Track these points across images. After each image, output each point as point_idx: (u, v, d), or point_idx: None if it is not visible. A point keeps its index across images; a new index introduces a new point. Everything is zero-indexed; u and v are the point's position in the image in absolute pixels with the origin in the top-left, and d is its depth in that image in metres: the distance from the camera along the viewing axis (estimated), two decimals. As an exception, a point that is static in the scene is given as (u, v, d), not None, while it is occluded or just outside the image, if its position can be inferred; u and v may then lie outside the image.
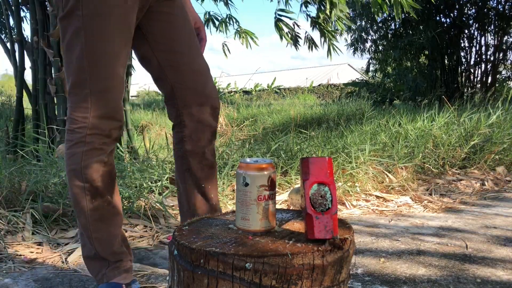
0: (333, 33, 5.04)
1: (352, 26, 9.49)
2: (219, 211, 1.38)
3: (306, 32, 5.81)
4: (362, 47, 9.80)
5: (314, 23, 5.04)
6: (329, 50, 5.18)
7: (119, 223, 1.29)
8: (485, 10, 8.38)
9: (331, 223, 0.75)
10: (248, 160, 0.87)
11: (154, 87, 13.54)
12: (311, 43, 5.55)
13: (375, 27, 9.52)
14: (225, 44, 5.21)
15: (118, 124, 1.22)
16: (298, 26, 5.75)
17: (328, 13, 4.66)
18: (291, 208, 0.98)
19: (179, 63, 1.29)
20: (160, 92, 1.45)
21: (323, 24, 4.92)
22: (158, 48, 1.29)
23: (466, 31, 8.81)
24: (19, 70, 3.41)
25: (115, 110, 1.20)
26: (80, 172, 1.20)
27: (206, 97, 1.32)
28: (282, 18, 4.89)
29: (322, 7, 4.89)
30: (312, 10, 5.29)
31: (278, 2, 5.72)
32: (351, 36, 9.71)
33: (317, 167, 0.76)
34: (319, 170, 0.76)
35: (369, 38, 9.78)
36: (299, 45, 5.76)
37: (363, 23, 9.43)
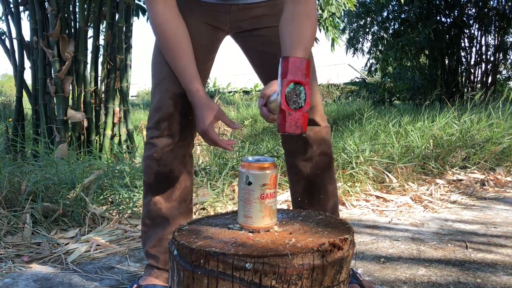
0: (336, 26, 5.02)
1: (352, 25, 9.50)
2: None
3: None
4: (361, 47, 9.81)
5: (318, 23, 5.04)
6: (332, 44, 5.18)
7: (164, 228, 1.28)
8: (486, 10, 8.38)
9: (302, 120, 0.78)
10: (250, 159, 0.88)
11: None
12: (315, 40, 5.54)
13: (375, 27, 9.52)
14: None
15: (163, 115, 1.22)
16: None
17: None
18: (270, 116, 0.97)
19: None
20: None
21: (328, 20, 4.90)
22: None
23: (467, 31, 8.81)
24: (18, 70, 3.41)
25: (161, 102, 1.23)
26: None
27: None
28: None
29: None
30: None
31: None
32: (349, 34, 9.71)
33: (295, 67, 0.77)
34: (297, 70, 0.77)
35: (369, 38, 9.78)
36: None
37: (363, 22, 9.43)
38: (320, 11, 5.16)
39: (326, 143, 1.31)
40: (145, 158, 1.27)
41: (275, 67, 1.08)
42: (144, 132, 4.16)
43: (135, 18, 3.94)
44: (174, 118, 1.23)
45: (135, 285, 1.28)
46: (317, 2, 4.96)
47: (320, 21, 5.02)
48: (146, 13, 3.99)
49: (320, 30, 5.07)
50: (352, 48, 9.75)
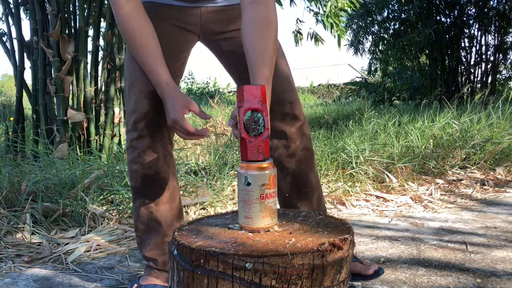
0: (340, 21, 5.03)
1: (352, 25, 9.50)
2: None
3: (310, 28, 5.80)
4: (362, 47, 9.81)
5: (322, 22, 5.05)
6: (339, 41, 5.19)
7: (157, 232, 1.29)
8: (486, 10, 8.38)
9: (263, 146, 0.81)
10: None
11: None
12: (317, 38, 5.56)
13: (375, 27, 9.52)
14: None
15: (139, 115, 1.23)
16: (301, 21, 5.79)
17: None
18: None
19: None
20: None
21: (330, 17, 4.90)
22: None
23: (467, 31, 8.81)
24: (18, 70, 3.41)
25: (137, 103, 1.24)
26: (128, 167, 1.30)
27: None
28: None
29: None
30: (314, 7, 5.35)
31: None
32: (350, 35, 9.71)
33: (250, 95, 0.80)
34: (253, 98, 0.80)
35: (369, 38, 9.79)
36: (302, 38, 5.79)
37: (363, 23, 9.43)
38: (320, 6, 5.18)
39: (306, 137, 1.35)
40: (129, 163, 1.27)
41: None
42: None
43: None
44: (150, 117, 1.23)
45: (136, 285, 1.29)
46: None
47: (324, 18, 5.02)
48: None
49: (325, 28, 5.06)
50: (352, 47, 9.76)
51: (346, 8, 5.00)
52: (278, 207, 1.16)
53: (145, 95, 1.22)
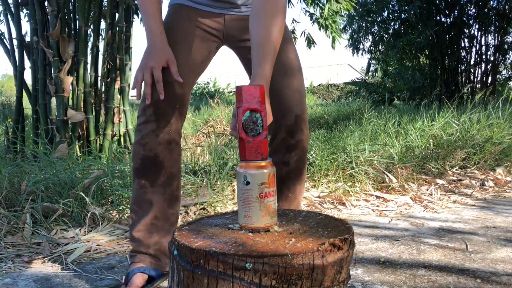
0: (336, 24, 5.11)
1: (352, 25, 9.50)
2: None
3: (305, 29, 5.87)
4: (362, 47, 9.80)
5: (318, 24, 5.10)
6: (333, 42, 5.26)
7: (147, 212, 1.33)
8: (486, 10, 8.38)
9: (262, 146, 0.82)
10: None
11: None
12: (310, 40, 5.62)
13: (376, 27, 9.52)
14: None
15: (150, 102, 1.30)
16: (296, 21, 5.84)
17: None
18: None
19: None
20: None
21: (327, 19, 4.96)
22: None
23: (467, 31, 8.81)
24: (18, 70, 3.41)
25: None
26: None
27: None
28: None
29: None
30: (313, 9, 5.45)
31: None
32: (350, 35, 9.72)
33: (249, 95, 0.80)
34: (251, 98, 0.81)
35: (369, 38, 9.78)
36: (296, 38, 5.84)
37: (363, 23, 9.43)
38: (316, 9, 5.25)
39: (304, 151, 1.41)
40: (134, 144, 1.34)
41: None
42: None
43: (135, 17, 3.94)
44: (159, 104, 1.28)
45: (124, 276, 1.34)
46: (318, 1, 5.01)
47: (320, 20, 5.08)
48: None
49: (320, 29, 5.14)
50: (352, 48, 9.75)
51: (342, 12, 5.10)
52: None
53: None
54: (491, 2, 8.42)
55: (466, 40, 8.89)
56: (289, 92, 1.36)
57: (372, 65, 10.29)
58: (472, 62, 8.84)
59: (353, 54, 9.75)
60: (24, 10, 4.01)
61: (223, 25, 1.37)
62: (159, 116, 1.29)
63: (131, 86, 1.35)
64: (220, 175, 2.49)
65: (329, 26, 5.02)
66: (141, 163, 1.31)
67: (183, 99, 1.33)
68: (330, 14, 4.93)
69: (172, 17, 1.37)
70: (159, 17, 1.29)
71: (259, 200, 0.85)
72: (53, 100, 3.23)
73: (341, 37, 5.58)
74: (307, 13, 5.47)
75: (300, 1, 5.36)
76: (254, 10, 1.20)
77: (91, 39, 3.47)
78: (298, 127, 1.36)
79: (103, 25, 3.70)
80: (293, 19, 5.97)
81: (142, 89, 1.28)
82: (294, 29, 6.03)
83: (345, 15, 8.74)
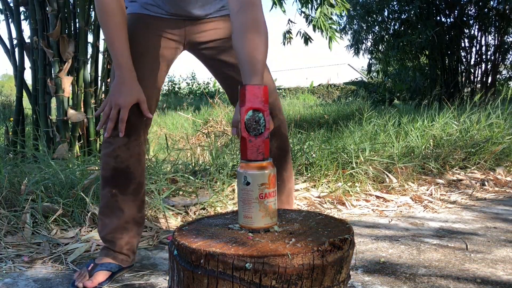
0: (333, 25, 5.18)
1: (353, 26, 9.50)
2: None
3: (301, 29, 5.94)
4: (362, 47, 9.80)
5: (313, 26, 5.14)
6: (330, 41, 5.31)
7: (119, 217, 1.41)
8: (486, 10, 8.38)
9: (263, 146, 0.81)
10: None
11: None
12: (306, 37, 5.68)
13: (376, 27, 9.52)
14: None
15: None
16: (292, 22, 5.89)
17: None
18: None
19: None
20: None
21: (323, 21, 5.02)
22: None
23: (467, 31, 8.81)
24: (18, 70, 3.41)
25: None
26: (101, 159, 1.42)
27: None
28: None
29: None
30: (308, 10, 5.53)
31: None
32: (351, 35, 9.72)
33: (252, 94, 0.80)
34: (255, 98, 0.81)
35: (369, 38, 9.78)
36: (292, 38, 5.91)
37: (363, 23, 9.43)
38: (310, 12, 5.32)
39: (283, 137, 1.45)
40: (103, 155, 1.39)
41: (234, 76, 1.32)
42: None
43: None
44: (130, 119, 1.33)
45: (92, 265, 1.41)
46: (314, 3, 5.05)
47: (313, 22, 5.15)
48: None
49: (315, 31, 5.20)
50: (353, 48, 9.75)
51: (332, 15, 5.17)
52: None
53: None
54: (491, 2, 8.42)
55: (466, 40, 8.89)
56: None
57: (372, 65, 10.29)
58: (472, 62, 8.84)
59: (354, 54, 9.76)
60: (24, 10, 4.01)
61: (184, 29, 1.42)
62: (129, 130, 1.34)
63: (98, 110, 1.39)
64: (220, 176, 2.49)
65: (323, 28, 5.07)
66: (112, 174, 1.38)
67: (150, 110, 1.40)
68: (323, 18, 4.97)
69: (134, 28, 1.38)
70: (127, 48, 1.29)
71: (259, 200, 0.85)
72: (53, 100, 3.23)
73: (341, 38, 5.64)
74: (302, 14, 5.51)
75: (296, 1, 5.38)
76: (237, 31, 1.18)
77: (91, 39, 3.47)
78: (272, 114, 1.38)
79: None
80: (289, 20, 6.02)
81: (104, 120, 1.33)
82: (290, 29, 6.08)
83: (344, 15, 8.76)
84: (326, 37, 5.20)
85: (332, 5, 4.92)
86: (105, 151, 1.37)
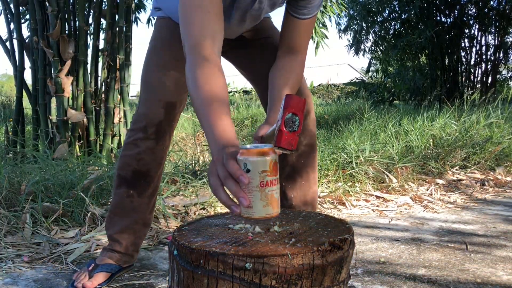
0: (324, 30, 5.22)
1: (352, 26, 9.50)
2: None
3: None
4: (362, 47, 9.80)
5: None
6: (317, 47, 5.37)
7: (132, 218, 1.41)
8: (486, 10, 8.38)
9: (294, 140, 0.91)
10: (248, 146, 0.84)
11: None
12: None
13: (376, 27, 9.52)
14: None
15: (152, 121, 1.33)
16: None
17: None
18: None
19: None
20: None
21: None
22: None
23: (467, 31, 8.81)
24: (18, 70, 3.41)
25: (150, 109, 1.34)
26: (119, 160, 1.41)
27: None
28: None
29: None
30: None
31: None
32: (351, 35, 9.72)
33: (296, 102, 0.91)
34: (296, 104, 0.91)
35: (370, 38, 9.78)
36: None
37: (363, 23, 9.43)
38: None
39: (312, 135, 1.41)
40: (123, 156, 1.38)
41: (274, 42, 1.29)
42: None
43: (136, 16, 3.94)
44: (162, 125, 1.33)
45: (93, 264, 1.41)
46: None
47: None
48: (147, 14, 4.00)
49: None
50: (353, 48, 9.75)
51: (325, 18, 5.23)
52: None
53: (163, 105, 1.32)
54: (491, 2, 8.42)
55: (466, 40, 8.88)
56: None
57: (372, 65, 10.29)
58: (472, 62, 8.84)
59: (354, 54, 9.75)
60: (24, 10, 4.01)
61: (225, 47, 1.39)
62: (159, 135, 1.34)
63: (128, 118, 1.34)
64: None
65: (313, 34, 5.13)
66: (132, 175, 1.37)
67: (178, 117, 1.40)
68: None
69: (166, 32, 1.32)
70: (228, 114, 0.92)
71: (260, 189, 0.81)
72: (53, 100, 3.23)
73: (340, 38, 5.73)
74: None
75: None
76: (280, 66, 1.20)
77: (91, 39, 3.47)
78: (305, 110, 1.35)
79: (103, 25, 3.70)
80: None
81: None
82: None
83: (344, 16, 8.76)
84: (314, 42, 5.26)
85: (324, 11, 4.99)
86: (128, 152, 1.36)
